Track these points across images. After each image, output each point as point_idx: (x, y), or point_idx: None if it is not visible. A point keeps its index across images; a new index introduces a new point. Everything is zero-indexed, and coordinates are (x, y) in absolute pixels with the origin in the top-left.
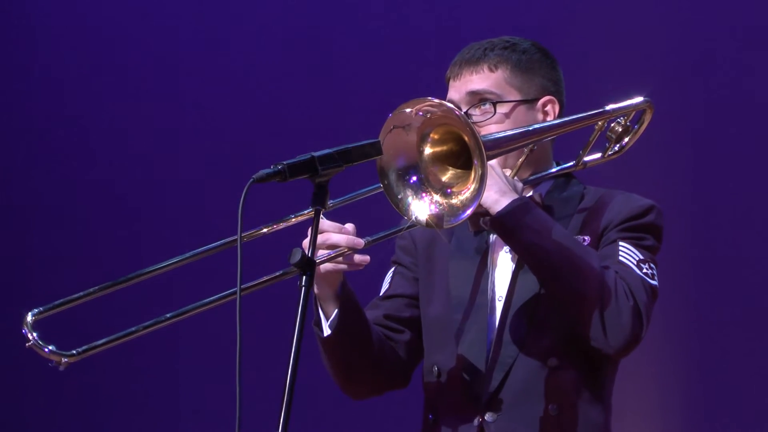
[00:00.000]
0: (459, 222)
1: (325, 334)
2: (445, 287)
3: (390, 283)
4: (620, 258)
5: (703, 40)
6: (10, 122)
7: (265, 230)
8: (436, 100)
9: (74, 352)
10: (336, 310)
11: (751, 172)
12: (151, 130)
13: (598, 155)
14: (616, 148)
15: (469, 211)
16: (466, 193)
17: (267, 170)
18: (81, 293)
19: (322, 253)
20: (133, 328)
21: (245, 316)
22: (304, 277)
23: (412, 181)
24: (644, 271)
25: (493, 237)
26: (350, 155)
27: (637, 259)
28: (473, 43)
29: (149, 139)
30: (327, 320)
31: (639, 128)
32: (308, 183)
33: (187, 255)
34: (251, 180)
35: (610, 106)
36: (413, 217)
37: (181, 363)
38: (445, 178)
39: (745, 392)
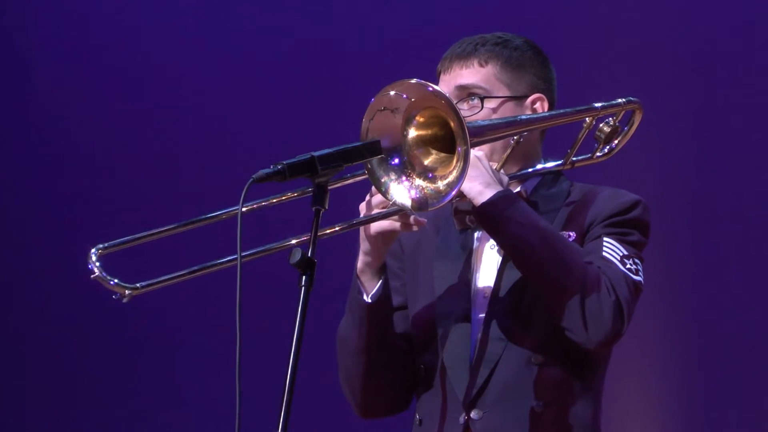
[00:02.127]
0: (442, 205)
1: (370, 301)
2: (429, 286)
3: None
4: (604, 254)
5: (703, 40)
6: (10, 122)
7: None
8: (421, 82)
9: (138, 285)
10: (380, 282)
11: (751, 172)
12: (151, 130)
13: (587, 155)
14: (606, 150)
15: (452, 194)
16: (449, 177)
17: (267, 170)
18: (146, 232)
19: (378, 211)
20: (196, 267)
21: (246, 316)
22: (304, 277)
23: (393, 163)
24: (628, 266)
25: (478, 234)
26: (350, 155)
27: (621, 254)
28: (465, 38)
29: (149, 139)
30: (368, 294)
31: (629, 130)
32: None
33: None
34: (251, 180)
35: (598, 104)
36: (393, 200)
37: (181, 363)
38: (427, 162)
39: (745, 392)
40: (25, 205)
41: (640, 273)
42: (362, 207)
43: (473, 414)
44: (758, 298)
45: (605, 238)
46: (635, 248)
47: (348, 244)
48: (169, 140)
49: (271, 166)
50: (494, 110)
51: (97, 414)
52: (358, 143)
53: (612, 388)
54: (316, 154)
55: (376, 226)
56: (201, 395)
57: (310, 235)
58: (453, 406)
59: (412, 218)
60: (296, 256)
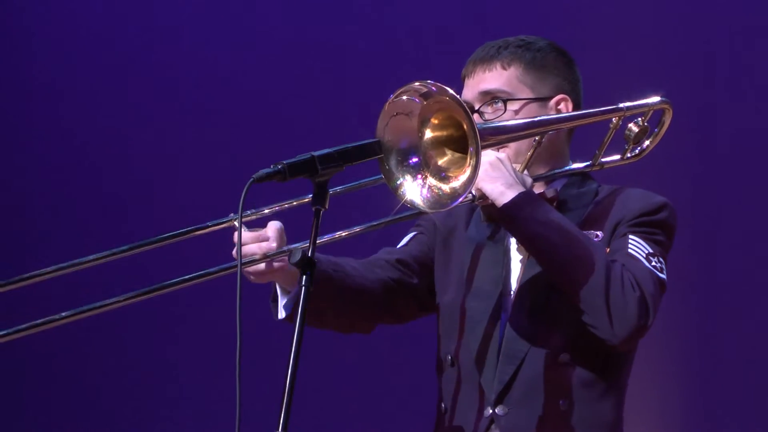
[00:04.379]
0: (456, 204)
1: (280, 317)
2: (460, 276)
3: (407, 242)
4: (629, 251)
5: (703, 40)
6: (10, 122)
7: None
8: (435, 84)
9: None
10: (290, 294)
11: (751, 172)
12: (151, 130)
13: (616, 157)
14: (637, 151)
15: (461, 198)
16: (463, 176)
17: (267, 170)
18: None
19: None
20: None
21: (246, 316)
22: (304, 277)
23: (411, 162)
24: (653, 264)
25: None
26: (350, 155)
27: (647, 252)
28: (488, 42)
29: (149, 140)
30: (278, 314)
31: (660, 130)
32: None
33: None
34: (251, 179)
35: (624, 104)
36: (406, 199)
37: (181, 362)
38: (442, 162)
39: (745, 393)
40: (25, 204)
41: (665, 271)
42: (252, 248)
43: (498, 410)
44: (758, 298)
45: (631, 236)
46: (660, 248)
47: (349, 243)
48: (169, 140)
49: (271, 166)
50: (516, 112)
51: (97, 414)
52: (358, 143)
53: None
54: (316, 154)
55: (254, 270)
56: (201, 395)
57: (310, 235)
58: (479, 399)
59: (275, 263)
60: (296, 256)
